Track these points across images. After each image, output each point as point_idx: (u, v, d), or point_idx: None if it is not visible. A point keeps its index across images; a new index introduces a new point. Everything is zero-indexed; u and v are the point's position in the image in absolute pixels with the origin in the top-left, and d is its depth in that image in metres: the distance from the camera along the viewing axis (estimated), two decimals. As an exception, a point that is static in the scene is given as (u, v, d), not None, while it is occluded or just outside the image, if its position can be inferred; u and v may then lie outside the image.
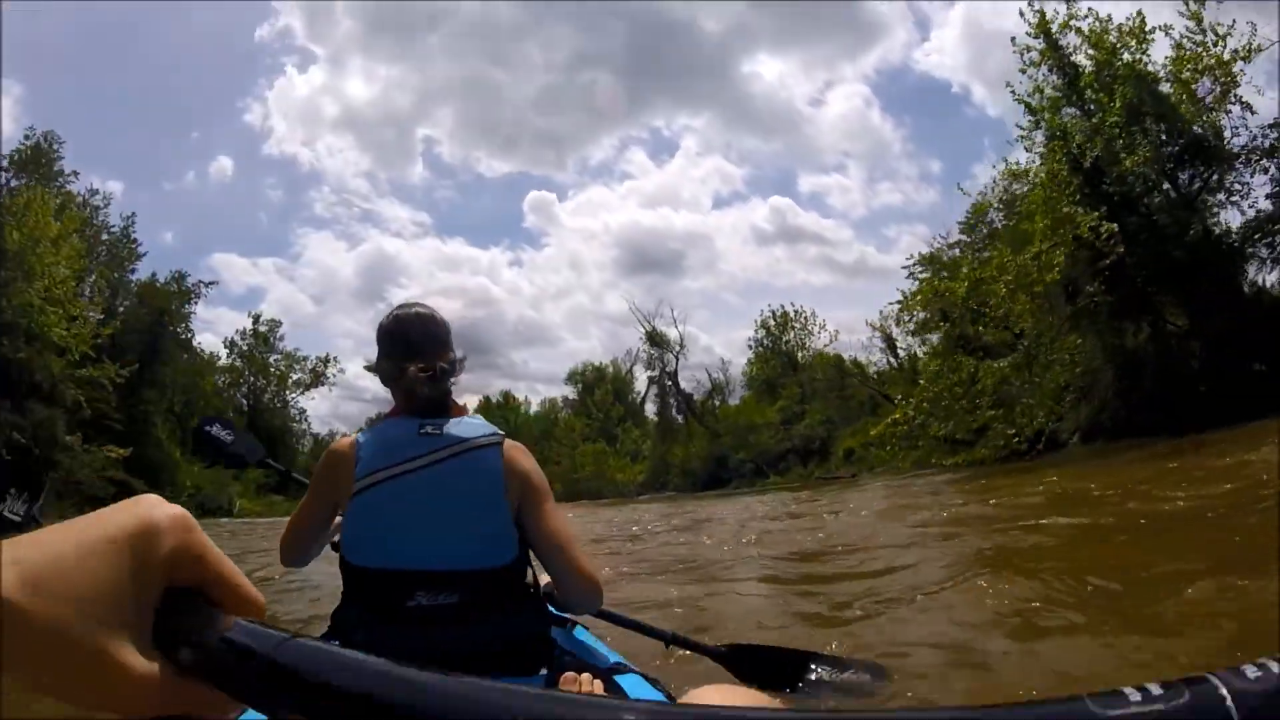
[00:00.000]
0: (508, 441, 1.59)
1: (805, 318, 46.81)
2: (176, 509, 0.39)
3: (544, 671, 1.52)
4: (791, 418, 37.65)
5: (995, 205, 29.79)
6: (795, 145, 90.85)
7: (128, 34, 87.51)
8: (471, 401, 1.84)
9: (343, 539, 1.52)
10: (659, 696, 1.37)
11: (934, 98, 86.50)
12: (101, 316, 36.26)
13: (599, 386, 61.00)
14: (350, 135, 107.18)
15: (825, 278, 76.35)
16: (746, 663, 2.41)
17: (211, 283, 41.68)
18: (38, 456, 26.60)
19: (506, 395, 67.47)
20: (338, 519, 1.62)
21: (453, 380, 1.67)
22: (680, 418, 44.41)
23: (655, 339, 44.78)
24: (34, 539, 0.35)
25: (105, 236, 38.00)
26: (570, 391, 63.66)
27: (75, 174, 35.52)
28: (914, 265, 35.24)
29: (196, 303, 41.16)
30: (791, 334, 46.62)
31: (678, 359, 45.01)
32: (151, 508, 0.38)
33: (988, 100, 79.75)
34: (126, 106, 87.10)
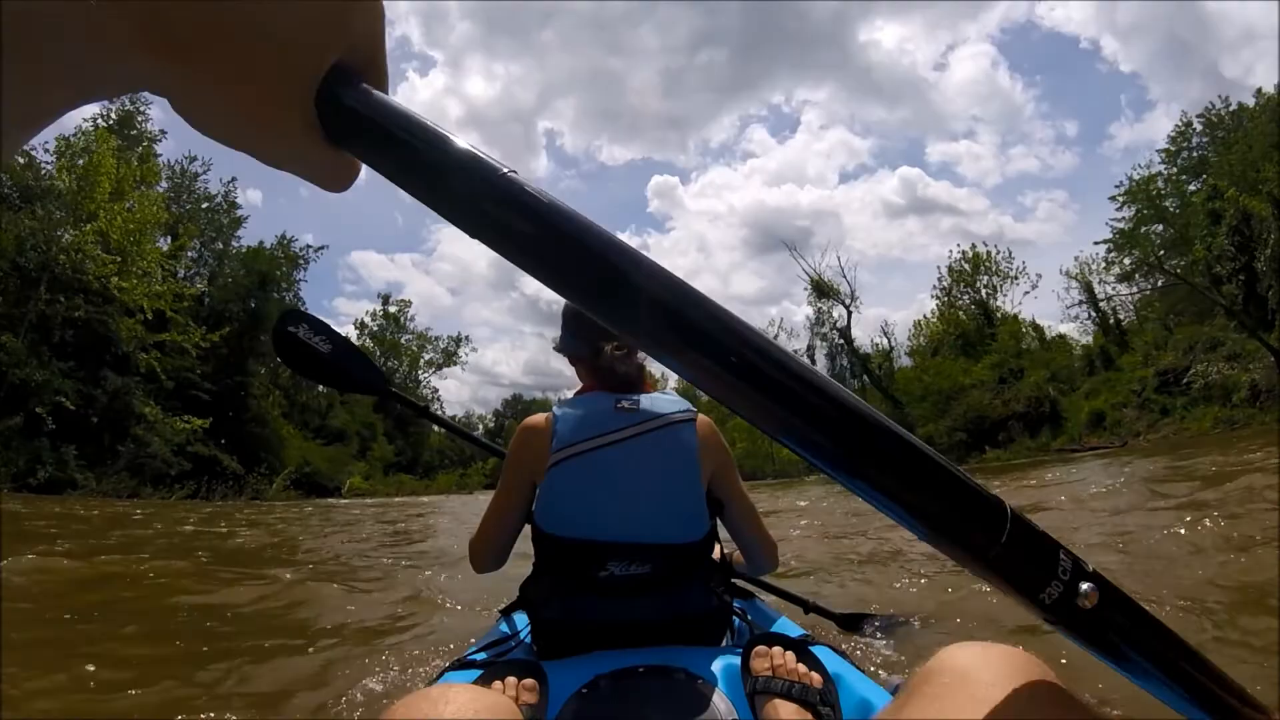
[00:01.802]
0: (700, 417, 1.59)
1: (1000, 259, 38.12)
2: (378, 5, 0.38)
3: (726, 642, 1.55)
4: (1007, 376, 29.35)
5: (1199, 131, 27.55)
6: (921, 113, 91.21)
7: None
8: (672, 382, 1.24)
9: (538, 509, 1.52)
10: (851, 668, 1.31)
11: (1063, 54, 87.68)
12: (202, 289, 34.08)
13: None
14: (475, 133, 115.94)
15: (964, 248, 65.74)
16: (863, 625, 2.80)
17: (321, 247, 38.52)
18: (104, 426, 23.76)
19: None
20: None
21: (639, 357, 1.66)
22: (855, 383, 36.71)
23: (822, 288, 37.45)
24: None
25: (205, 205, 35.14)
26: None
27: (163, 133, 33.00)
28: (1130, 190, 29.28)
29: (306, 268, 37.93)
30: (985, 278, 38.01)
31: (850, 312, 37.41)
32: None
33: (1120, 54, 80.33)
34: None
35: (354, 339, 59.12)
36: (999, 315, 36.48)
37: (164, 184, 32.92)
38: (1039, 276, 37.57)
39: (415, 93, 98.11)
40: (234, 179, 37.24)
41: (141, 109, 33.29)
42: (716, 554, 1.70)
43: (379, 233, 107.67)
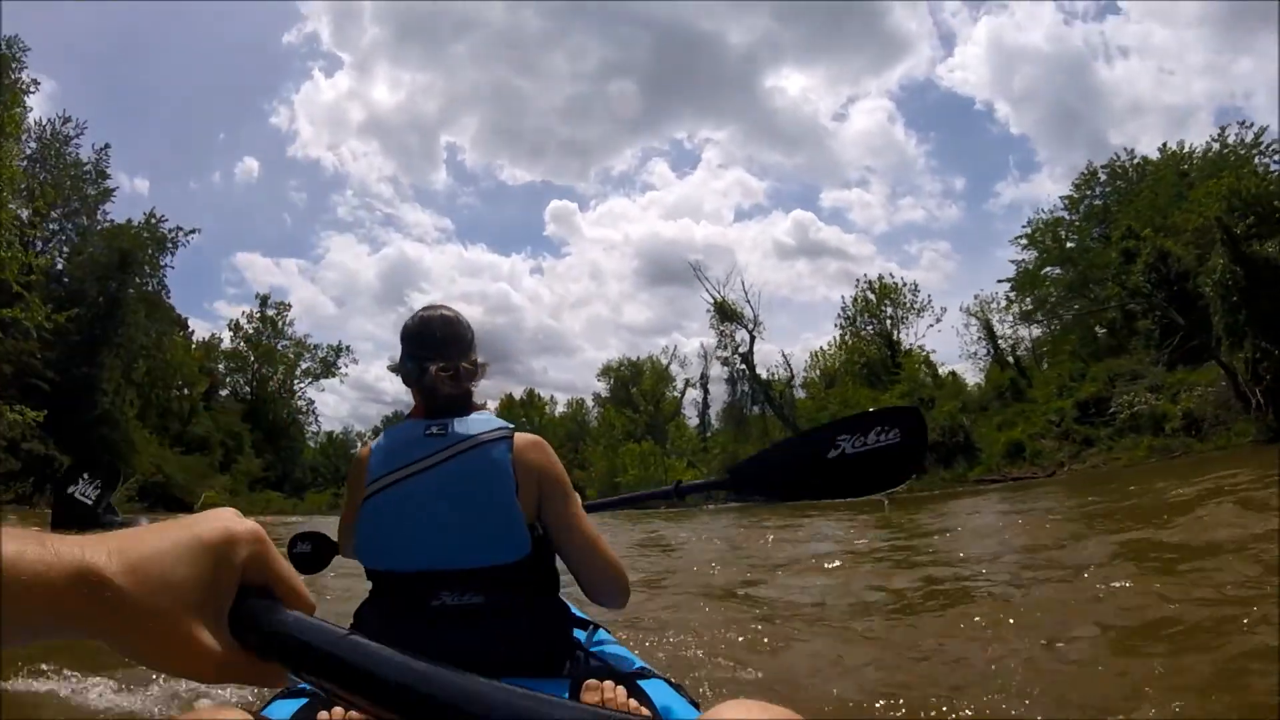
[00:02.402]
0: (519, 434, 1.57)
1: (906, 291, 39.18)
2: (254, 524, 0.49)
3: (567, 672, 1.49)
4: (918, 406, 29.61)
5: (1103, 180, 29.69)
6: (818, 160, 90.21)
7: (158, 36, 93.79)
8: (493, 404, 1.80)
9: (356, 544, 1.52)
10: (683, 702, 1.34)
11: (957, 114, 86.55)
12: (57, 262, 30.13)
13: (638, 383, 54.77)
14: (375, 140, 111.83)
15: (848, 292, 73.60)
16: (748, 481, 2.18)
17: (192, 230, 34.87)
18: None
19: (531, 393, 62.13)
20: None
21: (474, 382, 1.68)
22: (756, 409, 36.43)
23: (725, 311, 37.04)
24: (135, 534, 0.45)
25: (72, 173, 31.31)
26: (602, 388, 57.92)
27: (35, 83, 29.19)
28: (1032, 234, 31.80)
29: (173, 253, 34.28)
30: (889, 310, 38.95)
31: (753, 337, 37.22)
32: (233, 521, 0.48)
33: (1011, 117, 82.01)
34: (155, 106, 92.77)
35: (227, 342, 54.36)
36: (902, 348, 37.30)
37: (30, 143, 29.14)
38: (944, 310, 38.52)
39: (319, 93, 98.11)
40: (107, 145, 33.40)
41: (18, 55, 29.45)
42: (557, 582, 1.65)
43: (266, 234, 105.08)
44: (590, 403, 59.90)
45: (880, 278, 40.16)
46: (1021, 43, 70.41)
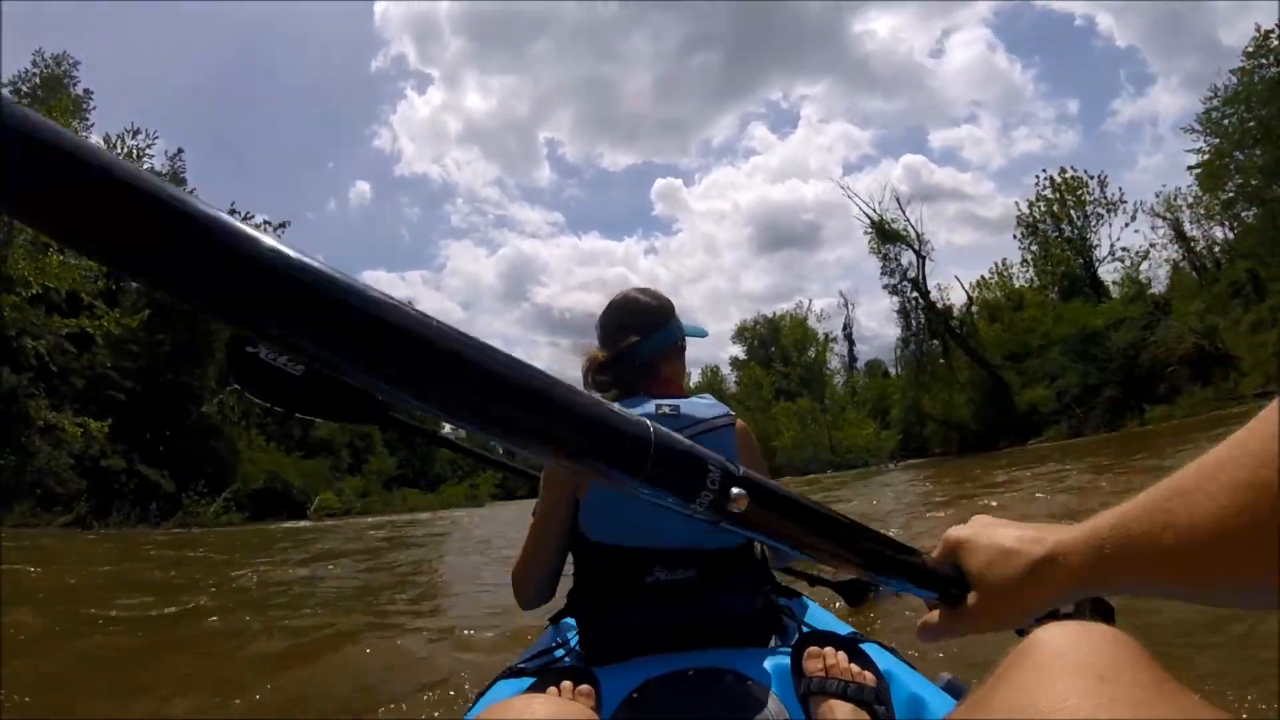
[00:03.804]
0: (739, 422, 1.59)
1: (1091, 185, 31.59)
2: None
3: (774, 643, 1.50)
4: (1154, 311, 22.83)
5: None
6: (921, 101, 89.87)
7: (249, 85, 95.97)
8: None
9: (583, 518, 1.52)
10: (903, 666, 1.30)
11: (1059, 33, 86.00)
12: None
13: (776, 341, 50.75)
14: (475, 147, 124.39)
15: (970, 235, 69.55)
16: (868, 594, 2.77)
17: (282, 224, 32.54)
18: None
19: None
20: None
21: (652, 360, 1.64)
22: (937, 343, 29.82)
23: (887, 233, 30.57)
24: None
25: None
26: (739, 351, 53.42)
27: (90, 93, 27.61)
28: (1207, 115, 24.71)
29: (265, 247, 31.96)
30: (1072, 210, 31.49)
31: (922, 259, 30.57)
32: None
33: (1115, 29, 78.17)
34: (264, 149, 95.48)
35: None
36: (1098, 254, 30.01)
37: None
38: (1140, 204, 30.68)
39: (415, 111, 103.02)
40: (180, 150, 31.93)
41: (71, 72, 28.20)
42: (764, 555, 1.66)
43: (386, 251, 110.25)
44: (727, 369, 55.97)
45: (1064, 170, 32.60)
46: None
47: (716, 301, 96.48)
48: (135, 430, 23.18)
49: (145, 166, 28.02)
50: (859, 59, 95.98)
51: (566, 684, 1.18)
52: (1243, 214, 25.94)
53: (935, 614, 0.73)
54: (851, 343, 49.11)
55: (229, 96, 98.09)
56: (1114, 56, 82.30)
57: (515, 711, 0.77)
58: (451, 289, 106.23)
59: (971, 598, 0.68)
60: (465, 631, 4.11)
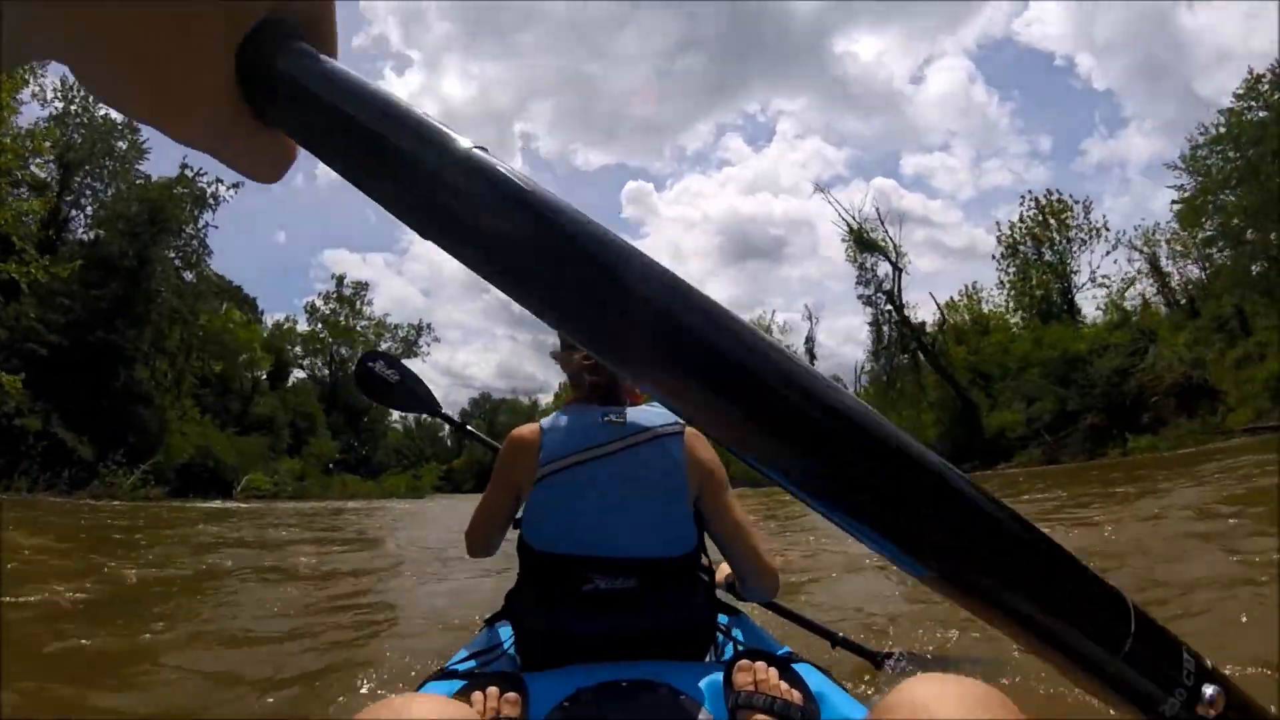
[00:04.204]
0: (689, 430, 1.59)
1: (1079, 210, 31.70)
2: None
3: (710, 658, 1.53)
4: (1140, 339, 22.57)
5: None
6: (897, 125, 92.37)
7: None
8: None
9: (524, 523, 1.52)
10: (834, 686, 1.31)
11: (1038, 70, 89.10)
12: (78, 217, 26.81)
13: None
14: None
15: (934, 262, 71.45)
16: (886, 664, 2.46)
17: (235, 184, 30.84)
18: None
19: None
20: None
21: None
22: (906, 358, 29.41)
23: (865, 242, 30.09)
24: None
25: (101, 127, 27.94)
26: None
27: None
28: (1192, 155, 24.89)
29: (214, 209, 30.31)
30: (1055, 233, 31.59)
31: (899, 271, 30.15)
32: None
33: (1094, 71, 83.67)
34: None
35: (304, 324, 52.67)
36: (1077, 281, 29.99)
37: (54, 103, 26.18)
38: (1121, 233, 30.82)
39: (393, 91, 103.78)
40: None
41: None
42: (708, 569, 1.64)
43: (351, 230, 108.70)
44: None
45: (1050, 193, 32.62)
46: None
47: None
48: (57, 390, 21.49)
49: (104, 114, 26.59)
50: (839, 78, 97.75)
51: (493, 689, 1.18)
52: (1217, 254, 26.23)
53: None
54: (813, 357, 48.91)
55: None
56: (1091, 98, 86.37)
57: (392, 710, 0.75)
58: (413, 274, 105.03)
59: None
60: (394, 631, 3.99)
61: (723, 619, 1.67)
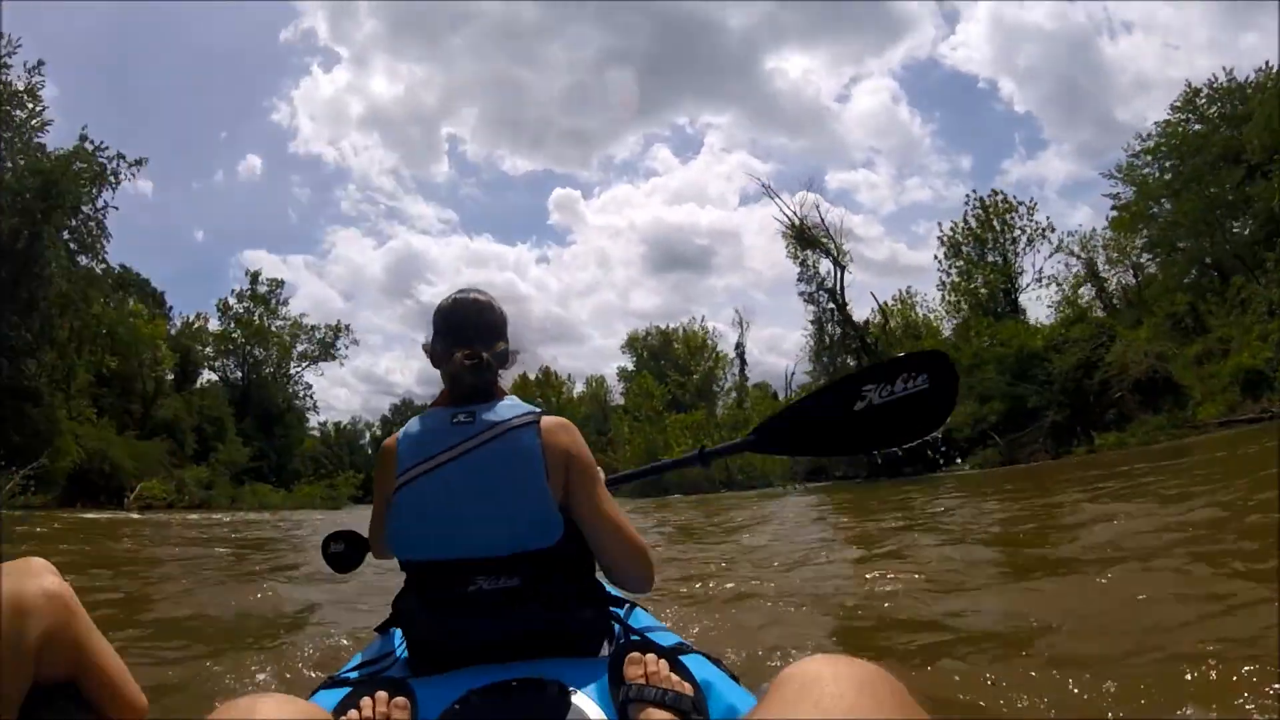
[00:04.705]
0: (545, 418, 1.57)
1: (1019, 206, 32.22)
2: (56, 584, 0.35)
3: (605, 652, 1.54)
4: (1099, 336, 22.48)
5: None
6: (822, 142, 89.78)
7: (155, 38, 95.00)
8: (505, 381, 1.74)
9: (389, 535, 1.51)
10: (723, 676, 1.37)
11: (961, 93, 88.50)
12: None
13: (668, 353, 49.80)
14: (375, 133, 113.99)
15: (859, 275, 68.69)
16: (775, 439, 2.19)
17: (138, 161, 28.14)
18: None
19: (547, 372, 57.97)
20: None
21: (501, 370, 1.67)
22: (850, 360, 28.83)
23: (806, 237, 29.59)
24: None
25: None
26: (628, 362, 52.69)
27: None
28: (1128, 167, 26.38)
29: (115, 188, 27.64)
30: (996, 231, 32.02)
31: (841, 269, 29.76)
32: (24, 579, 0.32)
33: (1016, 95, 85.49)
34: (156, 107, 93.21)
35: (215, 324, 49.57)
36: (1021, 282, 30.30)
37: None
38: (1068, 234, 31.24)
39: (318, 88, 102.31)
40: (41, 62, 26.57)
41: None
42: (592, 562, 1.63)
43: (271, 230, 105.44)
44: (615, 378, 55.15)
45: (996, 193, 32.92)
46: (1024, 19, 70.53)
47: (605, 316, 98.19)
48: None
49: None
50: (768, 94, 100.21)
51: (382, 694, 1.18)
52: (1148, 261, 27.36)
53: None
54: (744, 362, 48.74)
55: (130, 42, 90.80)
56: (1011, 120, 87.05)
57: (240, 711, 0.75)
58: (334, 276, 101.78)
59: None
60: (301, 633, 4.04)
61: (615, 610, 1.67)
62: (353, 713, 1.16)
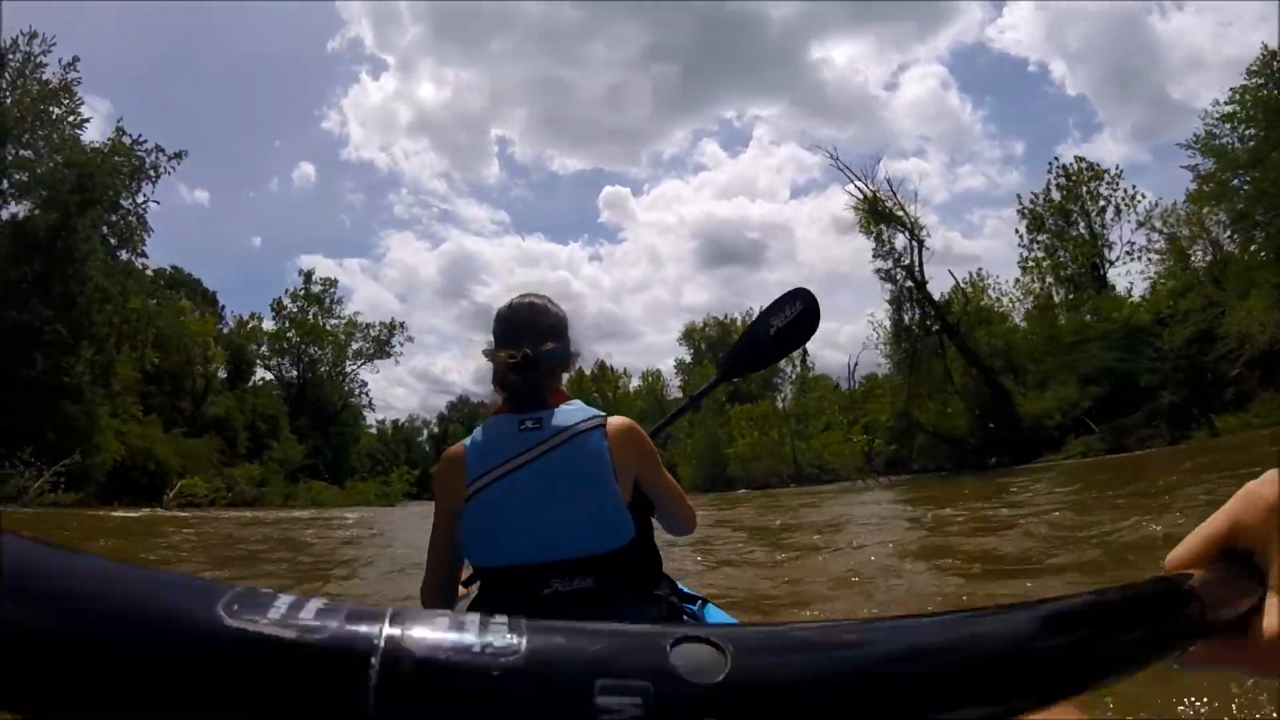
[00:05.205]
0: (612, 419, 1.61)
1: (1111, 177, 29.21)
2: None
3: None
4: (1208, 309, 19.78)
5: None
6: (872, 131, 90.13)
7: (206, 53, 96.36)
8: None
9: (464, 543, 1.54)
10: None
11: (1011, 77, 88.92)
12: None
13: (727, 344, 47.13)
14: (425, 138, 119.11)
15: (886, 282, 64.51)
16: (735, 368, 2.52)
17: (177, 155, 27.59)
18: None
19: (603, 366, 56.80)
20: None
21: (557, 372, 1.68)
22: (929, 341, 26.19)
23: (879, 211, 27.22)
24: None
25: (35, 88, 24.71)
26: (685, 354, 51.03)
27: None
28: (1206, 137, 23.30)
29: (154, 182, 27.07)
30: (1082, 200, 29.12)
31: (919, 244, 27.29)
32: None
33: (1067, 77, 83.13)
34: (211, 120, 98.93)
35: (269, 324, 49.44)
36: (1110, 255, 27.51)
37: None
38: (1156, 203, 28.09)
39: (367, 96, 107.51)
40: (75, 59, 26.27)
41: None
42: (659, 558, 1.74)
43: (326, 236, 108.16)
44: (671, 372, 53.53)
45: (1079, 159, 30.06)
46: (1073, -1, 66.78)
47: (657, 312, 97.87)
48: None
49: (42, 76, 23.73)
50: (815, 85, 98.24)
51: None
52: (1226, 239, 24.62)
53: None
54: (805, 351, 46.48)
55: (183, 58, 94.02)
56: (1064, 104, 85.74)
57: None
58: (389, 280, 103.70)
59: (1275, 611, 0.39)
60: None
61: (688, 607, 1.69)
62: None
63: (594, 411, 1.59)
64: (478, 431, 1.59)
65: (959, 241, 75.37)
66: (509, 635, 0.21)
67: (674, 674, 0.21)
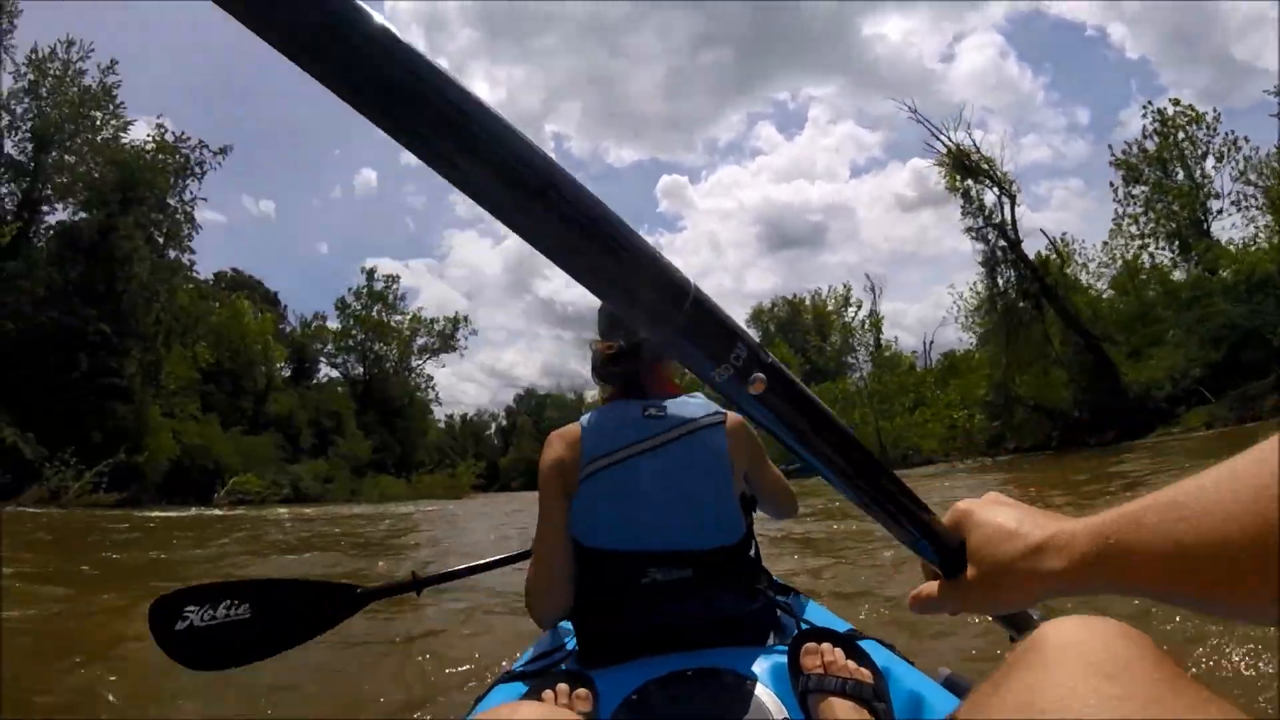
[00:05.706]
0: (730, 415, 1.60)
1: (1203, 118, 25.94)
2: None
3: (771, 641, 1.52)
4: None
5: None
6: (930, 105, 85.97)
7: (259, 64, 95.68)
8: None
9: (573, 521, 1.49)
10: (900, 661, 1.33)
11: (1070, 42, 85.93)
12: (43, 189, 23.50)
13: (798, 324, 47.45)
14: None
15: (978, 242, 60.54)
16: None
17: (222, 150, 27.16)
18: None
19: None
20: None
21: (657, 358, 1.65)
22: (1028, 306, 23.44)
23: (966, 165, 24.63)
24: None
25: (73, 89, 24.54)
26: (754, 336, 48.89)
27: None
28: None
29: (200, 179, 26.67)
30: (1181, 147, 25.98)
31: (1011, 200, 24.63)
32: None
33: (1127, 40, 77.11)
34: (272, 131, 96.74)
35: (332, 321, 49.19)
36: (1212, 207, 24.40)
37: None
38: (1257, 150, 24.73)
39: None
40: (114, 62, 26.18)
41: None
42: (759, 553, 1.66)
43: (391, 238, 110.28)
44: None
45: (1176, 101, 26.79)
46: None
47: (721, 299, 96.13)
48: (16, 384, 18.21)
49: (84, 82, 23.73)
50: (869, 61, 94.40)
51: (563, 687, 1.19)
52: None
53: (931, 586, 0.69)
54: (879, 330, 43.87)
55: (239, 75, 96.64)
56: (1125, 67, 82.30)
57: (504, 715, 0.73)
58: (455, 279, 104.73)
59: (969, 572, 0.64)
60: (463, 634, 3.92)
61: (780, 599, 1.62)
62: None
63: (715, 406, 1.59)
64: (593, 414, 1.58)
65: (1027, 215, 72.19)
66: None
67: None
